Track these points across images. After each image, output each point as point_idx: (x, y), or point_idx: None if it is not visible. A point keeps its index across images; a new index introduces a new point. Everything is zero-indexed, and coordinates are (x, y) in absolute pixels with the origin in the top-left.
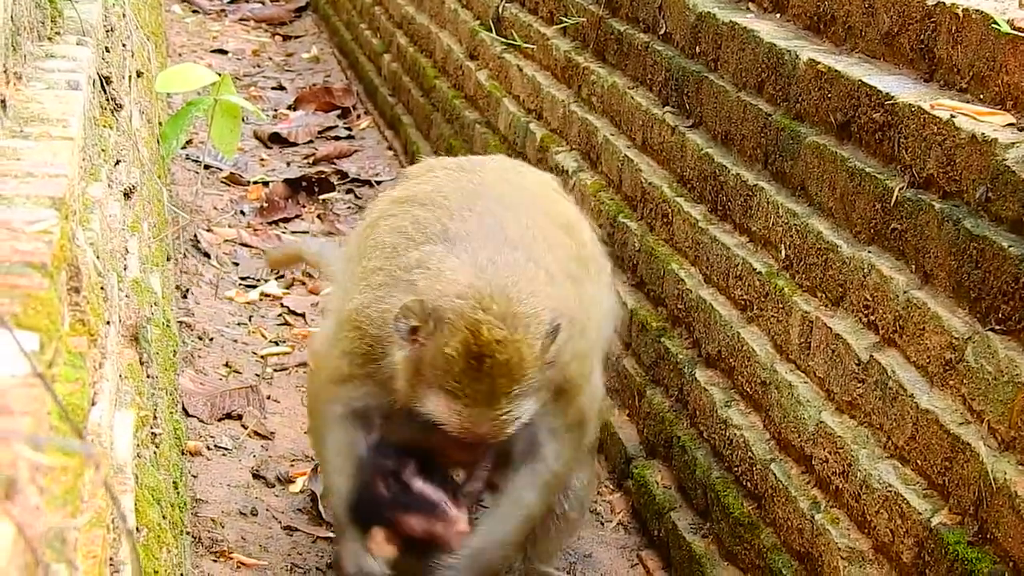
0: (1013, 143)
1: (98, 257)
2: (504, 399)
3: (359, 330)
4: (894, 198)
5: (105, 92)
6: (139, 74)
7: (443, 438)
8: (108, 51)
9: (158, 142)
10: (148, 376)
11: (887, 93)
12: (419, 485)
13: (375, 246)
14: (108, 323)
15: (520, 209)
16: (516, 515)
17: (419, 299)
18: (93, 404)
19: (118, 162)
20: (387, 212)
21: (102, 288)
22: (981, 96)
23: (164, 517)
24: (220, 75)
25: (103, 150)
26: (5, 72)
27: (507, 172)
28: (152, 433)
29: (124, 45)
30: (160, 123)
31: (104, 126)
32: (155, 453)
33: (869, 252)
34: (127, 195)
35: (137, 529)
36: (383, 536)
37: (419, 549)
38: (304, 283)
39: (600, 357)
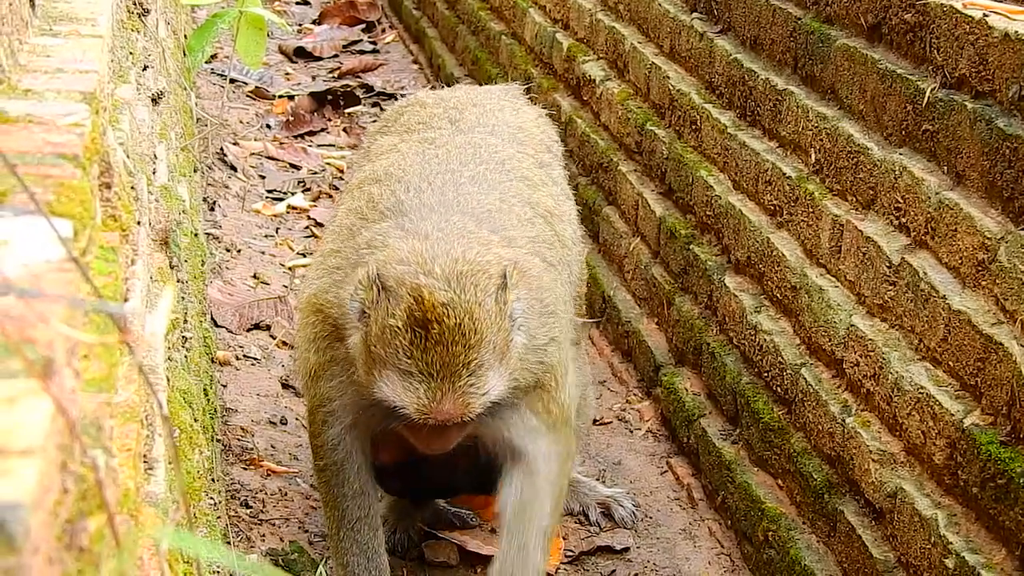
0: None
1: (128, 157)
2: (463, 370)
3: (320, 313)
4: (926, 99)
5: None
6: None
7: (411, 427)
8: None
9: (184, 54)
10: (178, 281)
11: None
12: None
13: (334, 229)
14: (139, 223)
15: (489, 188)
16: (537, 537)
17: (366, 272)
18: (125, 300)
19: (146, 67)
20: (350, 196)
21: (132, 188)
22: None
23: (196, 420)
24: None
25: (131, 53)
26: None
27: (485, 146)
28: (183, 337)
29: None
30: (185, 36)
31: (132, 30)
32: (186, 357)
33: (900, 154)
34: (155, 101)
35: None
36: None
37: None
38: (331, 196)
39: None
